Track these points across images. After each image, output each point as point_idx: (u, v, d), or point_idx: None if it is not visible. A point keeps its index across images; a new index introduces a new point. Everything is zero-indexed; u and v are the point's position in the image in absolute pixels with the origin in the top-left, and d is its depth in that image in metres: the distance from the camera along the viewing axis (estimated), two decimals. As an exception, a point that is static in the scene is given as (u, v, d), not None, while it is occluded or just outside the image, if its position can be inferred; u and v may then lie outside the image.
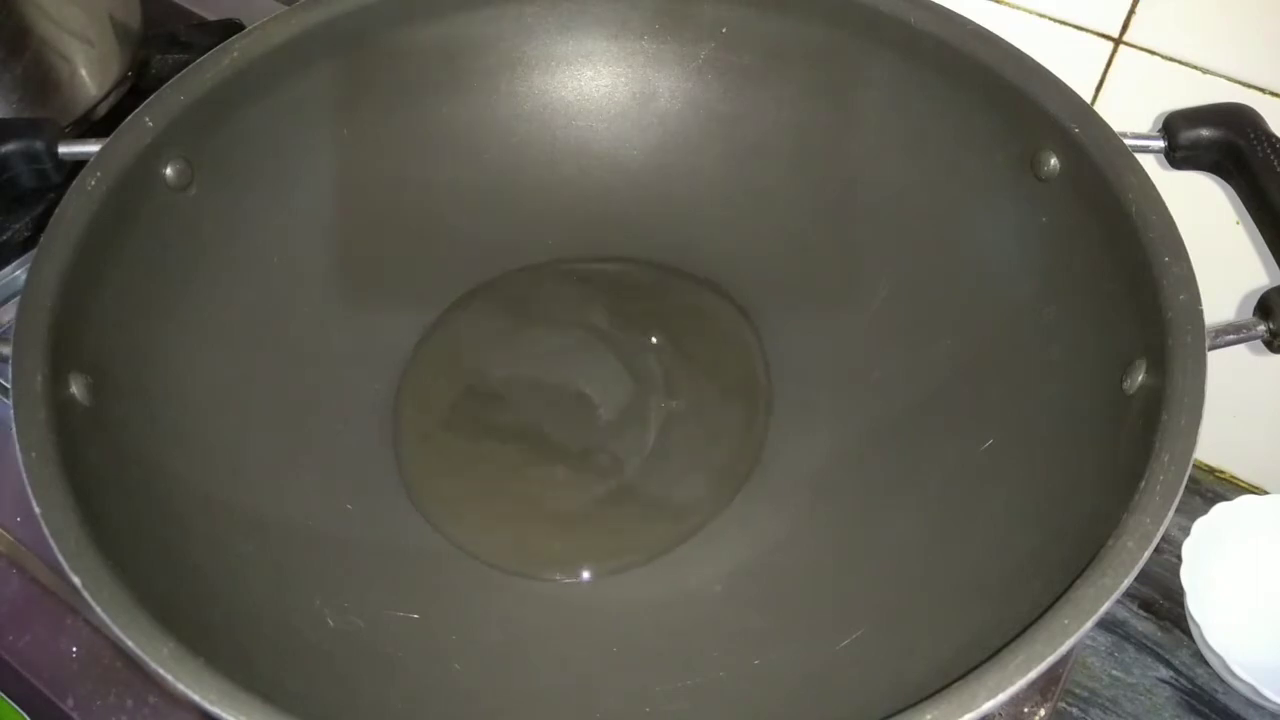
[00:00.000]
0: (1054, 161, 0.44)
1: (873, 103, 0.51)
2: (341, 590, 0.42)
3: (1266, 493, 0.59)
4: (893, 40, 0.48)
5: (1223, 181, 0.45)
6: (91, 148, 0.43)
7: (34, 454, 0.34)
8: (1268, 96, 0.48)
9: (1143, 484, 0.33)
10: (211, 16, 0.73)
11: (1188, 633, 0.54)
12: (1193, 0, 0.48)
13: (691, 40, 0.53)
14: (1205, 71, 0.49)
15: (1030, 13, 0.52)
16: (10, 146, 0.44)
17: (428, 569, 0.45)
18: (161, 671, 0.30)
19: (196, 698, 0.29)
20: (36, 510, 0.33)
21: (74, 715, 0.46)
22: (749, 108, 0.53)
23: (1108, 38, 0.51)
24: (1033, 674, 0.30)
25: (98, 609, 0.31)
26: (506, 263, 0.55)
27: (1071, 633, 0.30)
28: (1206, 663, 0.53)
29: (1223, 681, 0.52)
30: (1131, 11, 0.49)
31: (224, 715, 0.29)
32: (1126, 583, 0.31)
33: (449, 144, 0.54)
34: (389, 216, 0.53)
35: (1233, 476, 0.61)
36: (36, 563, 0.50)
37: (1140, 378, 0.38)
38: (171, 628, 0.31)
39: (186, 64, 0.47)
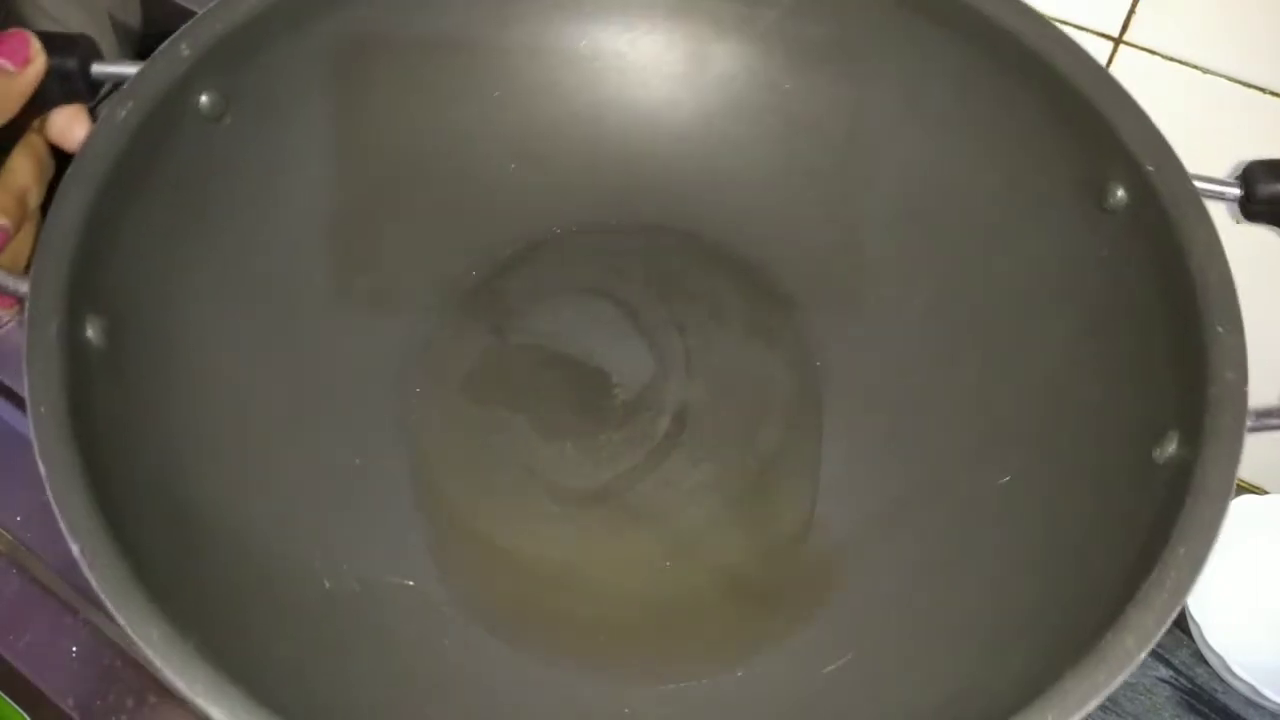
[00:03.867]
0: (1120, 193, 0.41)
1: (938, 94, 0.48)
2: (341, 552, 0.41)
3: (1266, 493, 0.59)
4: (968, 32, 0.45)
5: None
6: (127, 69, 0.41)
7: (43, 408, 0.33)
8: (1268, 96, 0.48)
9: (1153, 576, 0.32)
10: (212, 16, 0.73)
11: (1188, 632, 0.54)
12: (1193, 0, 0.48)
13: (759, 2, 0.50)
14: (1205, 71, 0.49)
15: (1030, 12, 0.52)
16: None
17: (429, 535, 0.44)
18: (149, 652, 0.29)
19: (189, 694, 0.29)
20: (42, 470, 0.31)
21: (74, 715, 0.46)
22: (809, 83, 0.50)
23: (1108, 38, 0.51)
24: None
25: (93, 581, 0.30)
26: (543, 224, 0.52)
27: None
28: (1206, 662, 0.53)
29: (1223, 681, 0.52)
30: (1131, 11, 0.49)
31: (214, 710, 0.29)
32: (1117, 683, 0.31)
33: (491, 89, 0.51)
34: (423, 165, 0.50)
35: (1233, 476, 0.61)
36: (36, 563, 0.50)
37: (1172, 449, 0.36)
38: (169, 600, 0.30)
39: (187, 63, 0.46)
